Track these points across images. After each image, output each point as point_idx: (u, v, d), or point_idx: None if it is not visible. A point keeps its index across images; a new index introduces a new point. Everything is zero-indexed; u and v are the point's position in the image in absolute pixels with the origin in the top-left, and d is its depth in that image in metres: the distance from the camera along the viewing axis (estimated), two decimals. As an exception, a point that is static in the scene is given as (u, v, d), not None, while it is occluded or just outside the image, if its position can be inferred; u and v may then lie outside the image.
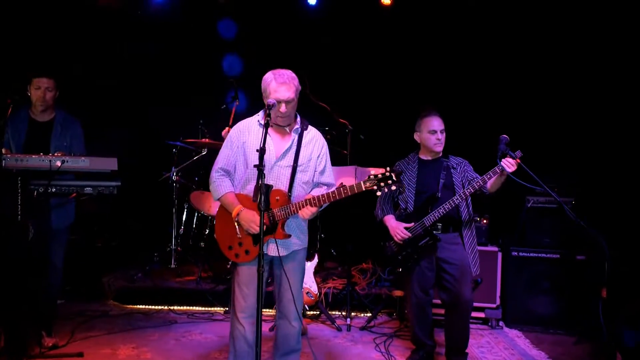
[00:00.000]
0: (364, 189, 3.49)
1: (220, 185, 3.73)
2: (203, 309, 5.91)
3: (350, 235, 5.99)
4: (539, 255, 5.59)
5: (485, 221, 5.67)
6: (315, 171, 3.79)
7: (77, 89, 5.97)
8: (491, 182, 4.23)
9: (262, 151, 3.22)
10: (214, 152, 6.79)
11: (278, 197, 3.61)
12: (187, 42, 7.64)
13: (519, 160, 4.04)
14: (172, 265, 6.56)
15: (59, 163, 4.00)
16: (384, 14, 7.42)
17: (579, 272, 5.48)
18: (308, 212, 3.57)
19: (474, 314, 5.35)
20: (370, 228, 6.45)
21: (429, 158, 4.53)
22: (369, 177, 3.50)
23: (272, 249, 3.67)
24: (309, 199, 3.56)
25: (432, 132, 4.41)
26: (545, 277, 5.58)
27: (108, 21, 7.22)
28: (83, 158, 4.08)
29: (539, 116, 6.66)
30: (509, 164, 4.04)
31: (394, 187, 3.44)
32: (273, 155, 3.67)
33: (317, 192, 3.74)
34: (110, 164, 4.17)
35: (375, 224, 4.69)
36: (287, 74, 3.61)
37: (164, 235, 7.19)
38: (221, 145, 6.51)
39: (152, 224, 7.41)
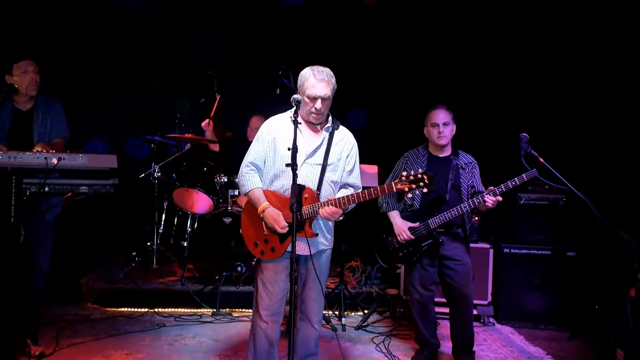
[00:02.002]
0: (395, 190, 3.45)
1: (249, 180, 3.62)
2: (189, 310, 5.69)
3: (343, 235, 5.88)
4: (530, 252, 5.65)
5: (476, 218, 5.65)
6: (344, 170, 3.70)
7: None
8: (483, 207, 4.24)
9: (293, 150, 3.10)
10: (198, 147, 6.64)
11: (307, 195, 3.52)
12: (160, 31, 7.34)
13: (499, 199, 4.10)
14: (154, 266, 6.28)
15: (55, 160, 3.72)
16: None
17: (570, 268, 5.55)
18: (329, 211, 3.47)
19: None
20: (361, 226, 6.43)
21: (438, 154, 4.46)
22: (400, 178, 3.42)
23: (299, 248, 3.57)
24: (333, 200, 3.47)
25: (434, 125, 4.36)
26: (536, 274, 5.63)
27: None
28: (81, 155, 3.81)
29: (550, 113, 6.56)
30: (490, 202, 4.10)
31: (425, 190, 3.38)
32: (303, 152, 3.57)
33: (343, 193, 3.64)
34: (109, 161, 3.91)
35: (355, 222, 4.60)
36: (327, 71, 3.54)
37: (141, 235, 6.92)
38: (204, 140, 6.45)
39: (129, 223, 7.10)
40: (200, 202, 6.16)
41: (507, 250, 5.66)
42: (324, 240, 3.68)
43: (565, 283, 5.55)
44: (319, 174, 3.60)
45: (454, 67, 7.04)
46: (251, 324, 3.76)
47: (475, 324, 5.50)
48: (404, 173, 3.44)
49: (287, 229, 3.51)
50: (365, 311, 5.74)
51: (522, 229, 5.73)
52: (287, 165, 3.18)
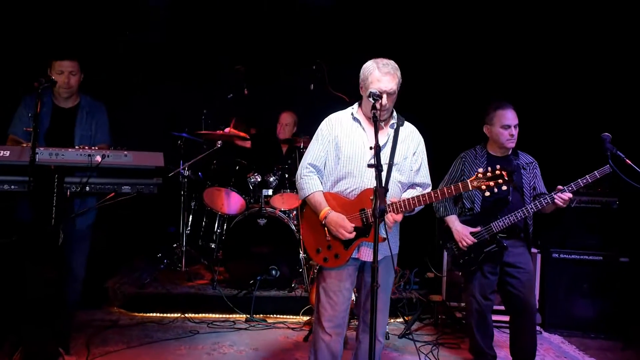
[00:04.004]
0: (470, 189, 3.21)
1: (308, 183, 3.37)
2: (221, 316, 5.41)
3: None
4: (581, 257, 5.38)
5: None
6: (411, 170, 3.42)
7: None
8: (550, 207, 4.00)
9: (377, 149, 2.82)
10: (229, 145, 6.36)
11: (372, 197, 3.22)
12: (189, 27, 7.06)
13: (570, 196, 3.89)
14: (183, 269, 5.99)
15: (99, 158, 3.44)
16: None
17: (623, 275, 5.29)
18: (399, 218, 3.25)
19: (505, 317, 5.10)
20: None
21: (499, 154, 4.20)
22: (476, 175, 3.16)
23: (364, 253, 3.34)
24: (410, 199, 3.23)
25: (505, 127, 4.07)
26: (586, 280, 5.36)
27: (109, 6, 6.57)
28: (125, 153, 3.54)
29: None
30: (560, 201, 3.88)
31: (504, 187, 3.13)
32: (367, 151, 3.31)
33: (411, 193, 3.37)
34: (155, 159, 3.64)
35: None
36: (392, 64, 3.28)
37: (166, 236, 6.64)
38: (236, 138, 6.18)
39: (152, 223, 6.81)
40: (232, 202, 5.89)
41: (557, 255, 5.39)
42: (390, 245, 3.41)
43: (617, 290, 5.28)
44: (385, 175, 3.32)
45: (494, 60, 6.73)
46: (312, 336, 3.50)
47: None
48: (480, 170, 3.21)
49: (354, 234, 3.25)
50: (407, 318, 5.47)
51: (573, 233, 5.45)
52: (369, 165, 2.92)
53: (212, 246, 6.18)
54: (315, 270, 5.40)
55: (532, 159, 4.25)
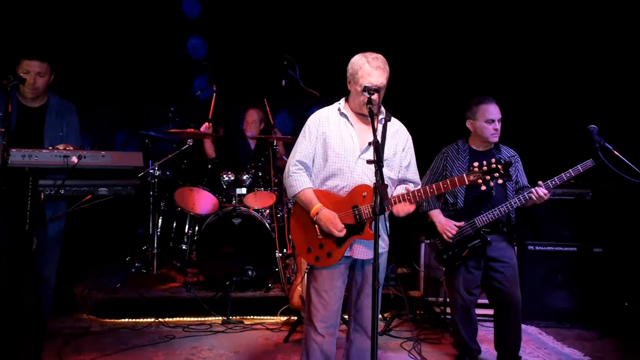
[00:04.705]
0: (467, 183, 3.19)
1: (297, 180, 3.28)
2: (197, 319, 5.26)
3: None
4: (556, 248, 5.43)
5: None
6: (400, 166, 3.36)
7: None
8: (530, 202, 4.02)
9: (376, 145, 2.76)
10: (200, 144, 6.19)
11: (365, 193, 3.18)
12: (154, 20, 6.84)
13: (546, 192, 3.92)
14: (154, 272, 5.80)
15: (75, 159, 3.29)
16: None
17: (597, 265, 5.36)
18: (405, 208, 3.18)
19: (487, 311, 5.14)
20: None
21: (481, 149, 4.18)
22: (472, 169, 3.13)
23: (357, 251, 3.27)
24: (403, 195, 3.16)
25: (489, 122, 4.06)
26: (561, 271, 5.42)
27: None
28: (103, 153, 3.39)
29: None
30: (536, 196, 3.93)
31: (500, 181, 3.11)
32: (357, 147, 3.26)
33: (402, 190, 3.32)
34: (134, 159, 3.51)
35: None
36: (381, 58, 3.21)
37: (135, 238, 6.44)
38: (204, 136, 6.01)
39: (119, 225, 6.58)
40: (204, 202, 5.74)
41: (532, 247, 5.43)
42: (382, 243, 3.35)
43: (591, 280, 5.35)
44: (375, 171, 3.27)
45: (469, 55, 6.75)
46: (304, 337, 3.41)
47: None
48: (476, 164, 3.18)
49: (345, 231, 3.18)
50: (386, 315, 5.44)
51: (547, 225, 5.51)
52: (368, 161, 2.84)
53: (184, 248, 6.01)
54: (292, 270, 5.33)
55: (513, 152, 4.26)
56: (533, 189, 3.92)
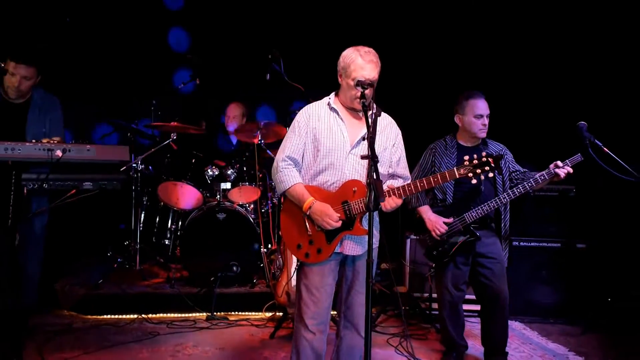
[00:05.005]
0: (457, 176, 3.17)
1: (288, 175, 3.23)
2: (181, 315, 5.20)
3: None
4: (540, 244, 5.45)
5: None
6: (390, 161, 3.34)
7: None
8: (541, 184, 3.97)
9: (371, 140, 2.74)
10: (184, 138, 6.10)
11: (355, 188, 3.15)
12: (136, 13, 6.73)
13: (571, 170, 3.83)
14: (137, 267, 5.70)
15: (59, 153, 3.21)
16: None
17: (580, 261, 5.40)
18: (393, 203, 3.15)
19: (472, 307, 5.16)
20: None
21: (469, 144, 4.17)
22: (462, 162, 3.11)
23: (348, 247, 3.24)
24: (394, 189, 3.14)
25: (478, 117, 4.05)
26: (545, 267, 5.44)
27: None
28: (88, 147, 3.31)
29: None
30: (563, 173, 3.83)
31: (491, 175, 3.10)
32: (347, 142, 3.22)
33: (394, 184, 3.29)
34: (120, 153, 3.44)
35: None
36: (373, 52, 3.18)
37: (116, 233, 6.34)
38: (187, 130, 5.92)
39: (100, 220, 6.47)
40: (188, 197, 5.67)
41: (516, 243, 5.44)
42: (373, 238, 3.32)
43: (575, 276, 5.39)
44: (366, 166, 3.23)
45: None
46: (294, 335, 3.36)
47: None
48: (466, 157, 3.16)
49: (341, 223, 3.14)
50: (373, 310, 5.40)
51: (532, 221, 5.53)
52: (363, 157, 2.81)
53: (167, 243, 5.93)
54: (277, 265, 5.27)
55: (502, 146, 4.25)
56: (558, 169, 3.82)
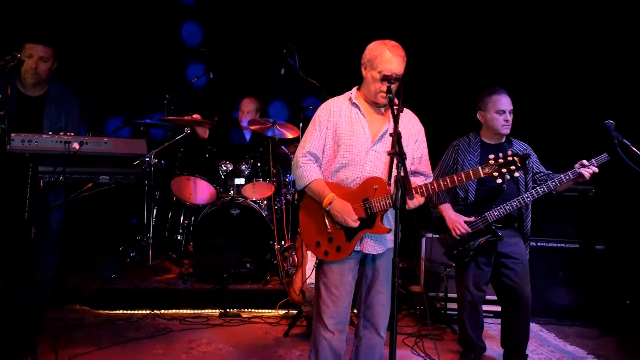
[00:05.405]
0: (482, 175, 3.12)
1: (308, 170, 3.16)
2: (194, 311, 5.15)
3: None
4: (558, 245, 5.39)
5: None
6: (412, 158, 3.27)
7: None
8: (566, 184, 3.89)
9: (398, 137, 2.64)
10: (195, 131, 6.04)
11: (376, 186, 3.08)
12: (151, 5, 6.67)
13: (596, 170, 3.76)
14: (150, 262, 5.65)
15: (77, 145, 3.15)
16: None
17: (598, 263, 5.33)
18: (416, 201, 3.08)
19: (486, 307, 5.08)
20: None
21: (492, 142, 4.10)
22: (487, 161, 3.05)
23: (368, 245, 3.18)
24: (416, 187, 3.08)
25: (500, 112, 3.97)
26: (562, 268, 5.39)
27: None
28: (106, 139, 3.25)
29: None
30: (588, 173, 3.77)
31: (516, 174, 3.03)
32: (369, 138, 3.16)
33: (417, 181, 3.23)
34: (137, 146, 3.38)
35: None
36: (400, 47, 3.11)
37: (128, 228, 6.29)
38: (200, 124, 5.86)
39: (112, 215, 6.43)
40: (202, 192, 5.62)
41: (533, 243, 5.33)
42: (392, 237, 3.25)
43: (592, 278, 5.32)
44: (387, 163, 3.16)
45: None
46: (312, 334, 3.30)
47: (496, 320, 5.30)
48: (491, 156, 3.10)
49: (359, 222, 3.08)
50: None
51: (550, 221, 5.46)
52: (390, 153, 2.74)
53: (179, 238, 5.88)
54: (290, 263, 5.22)
55: (526, 146, 4.17)
56: (583, 169, 3.78)
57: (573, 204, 5.41)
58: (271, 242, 5.48)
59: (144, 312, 5.06)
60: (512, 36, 6.38)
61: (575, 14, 6.02)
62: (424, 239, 5.47)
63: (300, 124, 6.05)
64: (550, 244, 5.38)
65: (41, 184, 3.17)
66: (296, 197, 5.90)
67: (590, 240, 5.35)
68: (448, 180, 3.10)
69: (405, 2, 6.75)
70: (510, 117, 3.98)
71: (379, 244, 3.18)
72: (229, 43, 6.91)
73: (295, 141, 6.12)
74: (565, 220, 5.45)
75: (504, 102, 3.97)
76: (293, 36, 5.97)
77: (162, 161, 6.14)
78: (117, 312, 5.06)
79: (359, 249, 3.18)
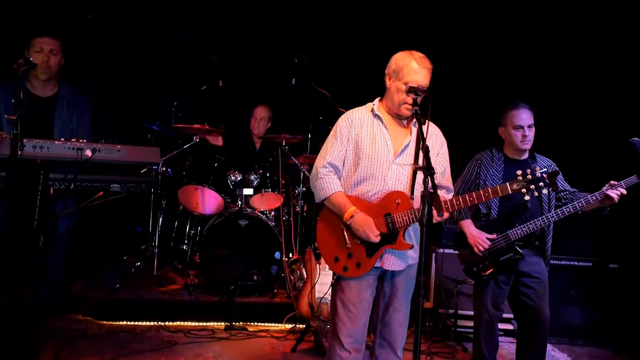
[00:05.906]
0: (510, 192, 3.05)
1: (329, 182, 3.08)
2: (198, 324, 5.03)
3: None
4: (571, 262, 5.29)
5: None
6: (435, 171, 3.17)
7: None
8: (593, 205, 3.80)
9: (425, 151, 2.55)
10: (205, 141, 5.95)
11: (399, 200, 2.99)
12: (159, 12, 6.60)
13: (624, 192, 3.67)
14: (155, 272, 5.53)
15: (89, 152, 3.06)
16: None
17: (612, 281, 5.23)
18: (441, 218, 2.97)
19: (500, 326, 4.97)
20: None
21: (516, 157, 4.00)
22: (516, 177, 2.96)
23: (388, 262, 3.08)
24: (443, 202, 2.97)
25: (518, 128, 3.88)
26: (575, 286, 5.28)
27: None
28: (119, 147, 3.16)
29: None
30: (616, 195, 3.66)
31: (545, 191, 2.94)
32: (391, 151, 3.07)
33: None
34: (151, 154, 3.28)
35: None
36: (427, 59, 3.04)
37: (133, 236, 6.18)
38: (210, 133, 5.78)
39: (116, 223, 6.31)
40: (209, 201, 5.51)
41: (547, 261, 5.27)
42: (414, 254, 3.16)
43: (606, 297, 5.22)
44: (410, 176, 3.07)
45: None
46: (328, 352, 3.20)
47: (509, 339, 5.21)
48: (519, 172, 3.01)
49: (380, 238, 2.99)
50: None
51: (563, 239, 5.31)
52: (417, 168, 2.67)
53: (185, 248, 5.77)
54: (298, 276, 5.12)
55: (550, 162, 4.06)
56: (610, 191, 3.67)
57: (587, 222, 5.31)
58: (278, 254, 5.37)
59: (148, 323, 4.93)
60: (540, 50, 6.28)
61: (606, 30, 5.93)
62: (434, 255, 5.37)
63: (309, 135, 5.97)
64: (563, 262, 5.28)
65: (51, 191, 3.08)
66: (305, 208, 5.81)
67: (604, 259, 5.25)
68: (474, 195, 3.01)
69: (429, 14, 6.65)
70: (529, 133, 3.88)
71: (400, 260, 3.09)
72: (239, 51, 6.83)
73: (304, 150, 6.04)
74: (580, 238, 5.35)
75: (523, 117, 3.88)
76: (304, 46, 5.91)
77: (169, 169, 6.05)
78: (121, 323, 4.93)
79: (378, 265, 3.09)
